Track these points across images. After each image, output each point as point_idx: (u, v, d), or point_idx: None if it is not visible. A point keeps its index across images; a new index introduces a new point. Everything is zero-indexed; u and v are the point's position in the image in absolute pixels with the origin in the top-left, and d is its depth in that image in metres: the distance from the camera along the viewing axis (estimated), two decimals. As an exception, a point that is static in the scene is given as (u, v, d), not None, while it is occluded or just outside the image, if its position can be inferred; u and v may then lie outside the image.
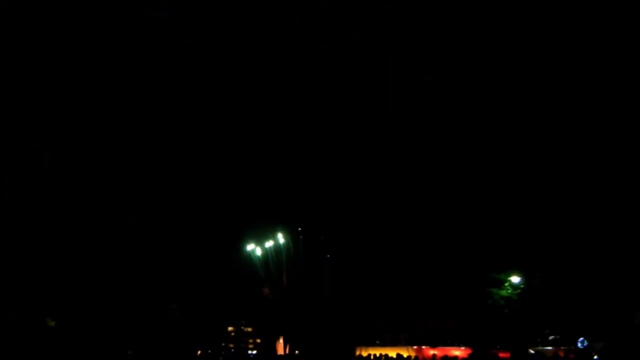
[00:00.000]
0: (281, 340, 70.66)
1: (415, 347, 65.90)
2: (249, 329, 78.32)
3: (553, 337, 66.13)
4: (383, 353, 58.20)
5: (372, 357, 55.58)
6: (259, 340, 77.37)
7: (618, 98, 61.26)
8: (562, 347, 62.96)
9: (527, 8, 59.65)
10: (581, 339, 62.18)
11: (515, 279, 66.71)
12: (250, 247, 71.49)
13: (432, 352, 64.03)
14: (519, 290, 66.63)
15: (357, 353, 65.03)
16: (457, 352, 63.90)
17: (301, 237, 70.78)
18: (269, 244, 70.97)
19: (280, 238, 70.40)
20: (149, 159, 65.33)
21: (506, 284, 67.11)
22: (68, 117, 62.50)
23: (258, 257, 70.98)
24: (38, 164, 62.65)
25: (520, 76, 63.20)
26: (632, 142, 60.86)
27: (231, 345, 78.05)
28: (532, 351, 62.46)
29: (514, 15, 60.46)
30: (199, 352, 72.87)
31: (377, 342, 71.04)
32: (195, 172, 67.20)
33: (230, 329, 78.13)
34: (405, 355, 62.84)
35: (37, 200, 62.10)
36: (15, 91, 60.89)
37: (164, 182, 66.98)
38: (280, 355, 68.52)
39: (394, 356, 55.27)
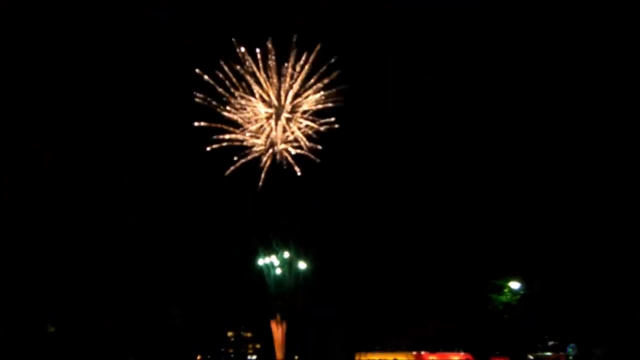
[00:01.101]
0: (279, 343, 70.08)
1: (414, 352, 65.57)
2: (249, 334, 77.85)
3: (553, 342, 65.73)
4: (383, 359, 58.07)
5: (371, 362, 55.34)
6: (258, 346, 76.98)
7: (618, 99, 61.27)
8: (561, 353, 62.82)
9: (527, 9, 59.83)
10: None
11: (514, 285, 66.16)
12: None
13: (431, 357, 63.74)
14: (518, 296, 66.05)
15: (357, 358, 64.93)
16: (456, 357, 63.72)
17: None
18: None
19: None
20: (148, 161, 65.24)
21: (506, 290, 66.50)
22: (68, 117, 62.72)
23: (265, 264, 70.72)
24: (38, 164, 62.89)
25: (520, 76, 63.23)
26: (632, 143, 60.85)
27: (231, 351, 77.72)
28: (531, 357, 62.19)
29: (514, 15, 60.64)
30: (199, 357, 72.61)
31: (377, 347, 70.70)
32: (194, 176, 67.02)
33: (229, 334, 77.71)
34: (404, 360, 62.91)
35: (37, 200, 62.30)
36: (15, 91, 61.20)
37: (163, 184, 66.86)
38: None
39: (393, 362, 55.06)
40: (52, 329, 65.94)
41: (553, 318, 63.62)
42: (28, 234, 62.47)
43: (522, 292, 65.75)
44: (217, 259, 69.64)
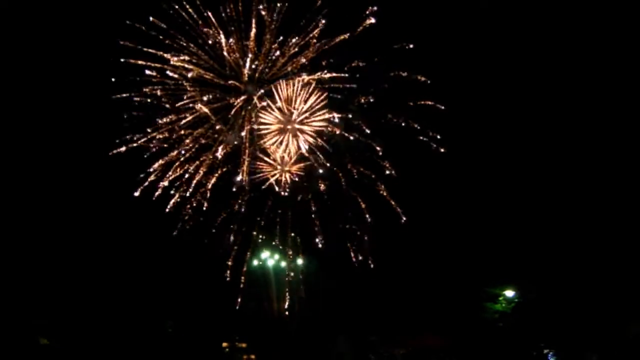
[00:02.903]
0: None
1: (410, 362, 65.95)
2: (243, 345, 77.25)
3: (548, 351, 65.77)
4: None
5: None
6: (253, 357, 76.40)
7: (618, 99, 61.72)
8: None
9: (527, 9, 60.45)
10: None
11: (509, 293, 66.53)
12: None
13: (426, 367, 64.17)
14: (513, 305, 66.36)
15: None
16: (451, 367, 64.10)
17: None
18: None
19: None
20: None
21: (501, 298, 66.84)
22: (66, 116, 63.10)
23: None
24: (37, 163, 63.30)
25: (513, 77, 63.70)
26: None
27: (225, 362, 77.16)
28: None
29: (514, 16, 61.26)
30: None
31: (372, 357, 70.57)
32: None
33: (224, 344, 77.13)
34: (400, 370, 62.96)
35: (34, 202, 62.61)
36: (15, 90, 61.70)
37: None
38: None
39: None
40: (45, 341, 65.64)
41: (549, 326, 63.81)
42: (21, 238, 62.95)
43: (516, 300, 65.99)
44: (212, 266, 69.30)
